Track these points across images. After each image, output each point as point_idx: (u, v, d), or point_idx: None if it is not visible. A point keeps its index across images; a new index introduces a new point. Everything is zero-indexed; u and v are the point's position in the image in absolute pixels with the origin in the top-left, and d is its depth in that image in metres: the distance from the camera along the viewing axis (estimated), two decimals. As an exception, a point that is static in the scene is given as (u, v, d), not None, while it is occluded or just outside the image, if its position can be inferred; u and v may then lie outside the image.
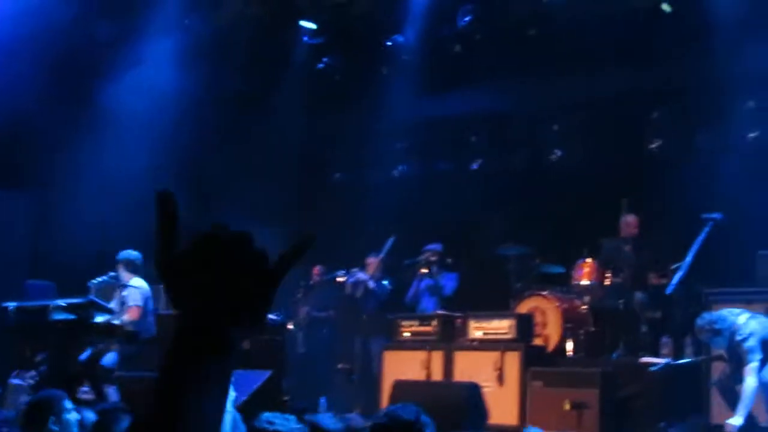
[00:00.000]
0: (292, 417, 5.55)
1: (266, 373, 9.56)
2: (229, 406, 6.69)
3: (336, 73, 15.64)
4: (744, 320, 9.46)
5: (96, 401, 9.41)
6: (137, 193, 14.18)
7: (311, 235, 3.11)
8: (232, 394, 6.95)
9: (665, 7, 12.73)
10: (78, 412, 6.27)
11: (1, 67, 13.00)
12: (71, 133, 13.91)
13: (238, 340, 2.36)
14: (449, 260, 13.03)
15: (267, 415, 5.52)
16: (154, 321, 11.94)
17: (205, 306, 2.18)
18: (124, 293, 11.39)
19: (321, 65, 15.40)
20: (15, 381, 8.33)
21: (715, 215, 10.68)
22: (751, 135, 12.82)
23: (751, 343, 9.29)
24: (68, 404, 6.01)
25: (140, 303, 11.56)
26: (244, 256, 2.29)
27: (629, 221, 12.24)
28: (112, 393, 9.35)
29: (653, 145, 13.63)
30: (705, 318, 9.60)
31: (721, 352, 9.80)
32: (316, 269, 14.55)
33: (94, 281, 12.02)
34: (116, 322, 11.29)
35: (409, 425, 4.67)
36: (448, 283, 12.83)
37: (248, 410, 7.42)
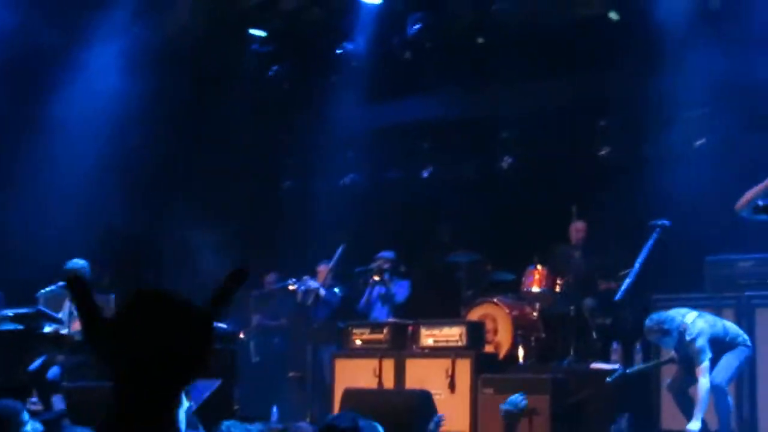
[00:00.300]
0: (254, 426, 5.55)
1: (216, 382, 9.50)
2: (182, 415, 6.66)
3: (285, 81, 15.59)
4: (692, 319, 9.54)
5: (44, 412, 9.32)
6: (86, 201, 14.16)
7: (242, 271, 3.13)
8: (186, 403, 6.93)
9: (613, 15, 12.82)
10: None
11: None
12: (17, 140, 13.77)
13: (178, 392, 2.36)
14: (402, 268, 13.03)
15: (227, 423, 5.51)
16: (103, 330, 11.85)
17: (140, 366, 2.16)
18: (72, 302, 11.28)
19: (271, 73, 15.34)
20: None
21: (663, 222, 10.76)
22: (698, 142, 12.92)
23: (701, 342, 9.37)
24: (26, 416, 5.95)
25: (88, 312, 11.48)
26: (173, 314, 2.29)
27: (578, 227, 12.37)
28: (58, 402, 9.25)
29: (602, 152, 13.71)
30: (653, 319, 9.67)
31: (672, 354, 9.87)
32: (268, 278, 14.50)
33: (42, 291, 11.90)
34: (64, 332, 11.19)
35: None
36: (400, 290, 12.84)
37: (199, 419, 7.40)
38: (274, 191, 16.39)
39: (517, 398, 9.83)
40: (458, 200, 14.51)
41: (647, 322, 9.69)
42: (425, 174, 15.38)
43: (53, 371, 11.00)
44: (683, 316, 9.61)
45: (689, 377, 9.58)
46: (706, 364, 9.31)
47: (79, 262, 11.81)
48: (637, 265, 10.74)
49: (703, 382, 9.28)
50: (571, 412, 10.46)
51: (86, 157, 14.08)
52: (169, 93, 14.88)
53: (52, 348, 11.24)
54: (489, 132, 14.93)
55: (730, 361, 9.51)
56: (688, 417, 9.33)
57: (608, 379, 10.18)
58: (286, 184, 16.59)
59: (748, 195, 8.03)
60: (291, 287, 13.74)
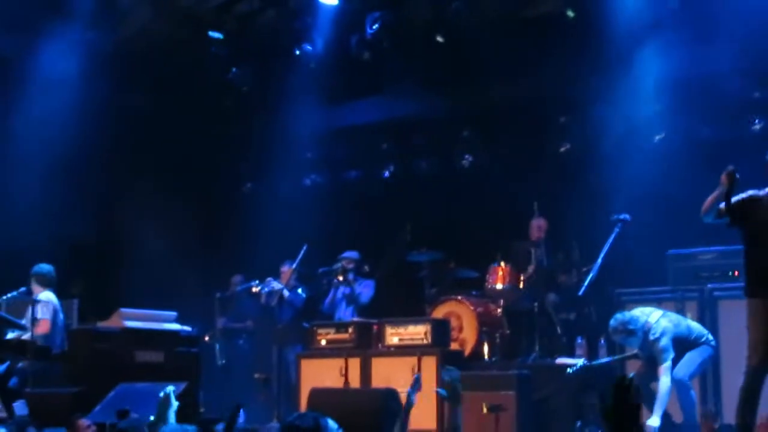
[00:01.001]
0: (192, 427, 5.54)
1: (182, 385, 9.44)
2: (172, 417, 6.67)
3: (244, 83, 15.54)
4: (656, 319, 9.61)
5: (7, 419, 9.23)
6: (45, 208, 14.06)
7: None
8: (175, 403, 6.92)
9: (569, 12, 12.87)
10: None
11: None
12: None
13: None
14: (366, 268, 13.03)
15: (165, 428, 5.49)
16: (65, 336, 11.79)
17: None
18: (34, 307, 11.22)
19: (230, 75, 15.29)
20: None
21: (624, 216, 10.82)
22: (657, 137, 13.02)
23: (664, 342, 9.44)
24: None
25: (48, 317, 11.42)
26: None
27: (540, 224, 12.42)
28: (20, 407, 9.17)
29: (562, 149, 13.79)
30: (618, 319, 9.73)
31: (635, 350, 9.93)
32: (233, 279, 14.46)
33: (4, 297, 11.81)
34: (27, 337, 11.11)
35: None
36: (365, 290, 12.83)
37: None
38: (236, 193, 16.35)
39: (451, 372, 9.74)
40: (419, 199, 14.54)
41: (612, 322, 9.75)
42: (386, 173, 15.40)
43: (14, 379, 10.93)
44: (648, 315, 9.68)
45: (652, 373, 9.65)
46: (668, 363, 9.40)
47: (45, 267, 11.76)
48: (599, 259, 10.80)
49: (665, 381, 9.36)
50: (537, 407, 10.51)
51: (45, 161, 13.98)
52: (128, 97, 14.82)
53: (14, 354, 11.15)
54: (449, 130, 14.97)
55: (693, 357, 9.59)
56: (651, 412, 9.39)
57: (569, 370, 10.23)
58: (247, 186, 16.56)
59: (709, 201, 8.11)
60: (255, 289, 13.70)
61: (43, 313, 11.34)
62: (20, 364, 11.11)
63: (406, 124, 15.27)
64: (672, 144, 12.74)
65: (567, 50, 12.94)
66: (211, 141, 15.28)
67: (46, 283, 11.73)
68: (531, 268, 12.18)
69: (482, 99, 14.42)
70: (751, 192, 8.04)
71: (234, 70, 15.13)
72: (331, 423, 6.33)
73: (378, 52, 14.28)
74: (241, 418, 11.88)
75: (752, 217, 7.95)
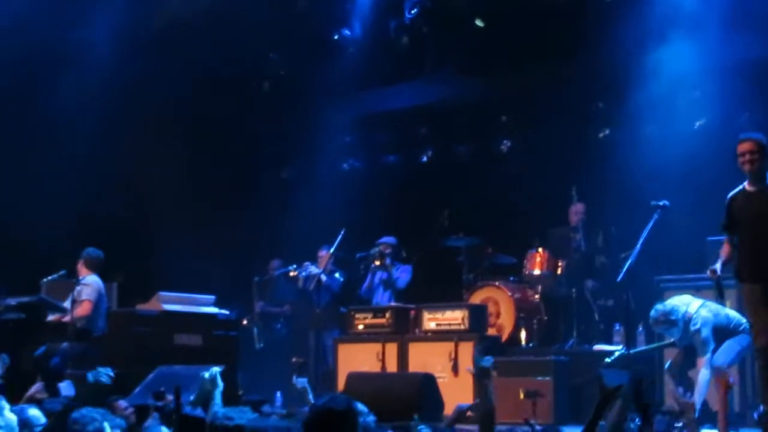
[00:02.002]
0: (247, 408, 5.59)
1: (221, 368, 9.50)
2: (219, 398, 6.74)
3: (283, 68, 15.56)
4: (695, 309, 9.55)
5: (49, 399, 9.31)
6: (85, 191, 14.17)
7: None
8: (221, 384, 6.97)
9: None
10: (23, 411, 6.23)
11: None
12: (18, 128, 13.76)
13: None
14: (403, 253, 13.04)
15: (223, 411, 5.52)
16: (106, 318, 11.88)
17: None
18: (78, 288, 11.30)
19: (268, 60, 15.32)
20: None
21: (664, 202, 10.75)
22: (698, 123, 12.94)
23: (705, 333, 9.37)
24: (4, 403, 5.96)
25: (92, 298, 11.51)
26: None
27: (578, 209, 12.35)
28: (67, 388, 9.25)
29: (601, 134, 13.72)
30: (658, 310, 9.68)
31: (673, 339, 9.88)
32: (271, 264, 14.51)
33: (45, 279, 11.92)
34: (67, 319, 11.20)
35: (343, 414, 4.66)
36: (402, 275, 12.83)
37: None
38: (274, 178, 16.38)
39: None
40: (457, 184, 14.52)
41: (653, 313, 9.70)
42: (424, 158, 15.38)
43: (56, 359, 11.01)
44: (687, 305, 9.61)
45: (689, 361, 9.61)
46: (708, 356, 9.33)
47: (95, 251, 11.86)
48: (638, 246, 10.74)
49: (704, 373, 9.29)
50: (574, 393, 10.49)
51: (84, 145, 14.08)
52: (166, 81, 14.88)
53: (55, 336, 11.25)
54: (487, 115, 14.93)
55: (731, 346, 9.51)
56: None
57: (608, 359, 10.19)
58: (286, 171, 16.58)
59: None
60: (292, 273, 13.74)
61: (87, 294, 11.43)
62: (63, 346, 11.21)
63: (445, 108, 15.24)
64: (712, 130, 12.65)
65: (606, 34, 12.87)
66: (249, 126, 15.31)
67: (94, 266, 11.82)
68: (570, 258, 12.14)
69: (521, 84, 14.36)
70: (729, 195, 8.71)
71: (272, 55, 15.16)
72: (361, 406, 6.37)
73: (417, 37, 14.27)
74: (278, 401, 11.96)
75: (735, 215, 8.65)
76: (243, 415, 5.45)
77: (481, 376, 8.73)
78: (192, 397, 6.95)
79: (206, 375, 7.01)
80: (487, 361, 9.04)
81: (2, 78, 13.34)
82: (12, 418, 6.07)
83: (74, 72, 13.73)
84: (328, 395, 4.91)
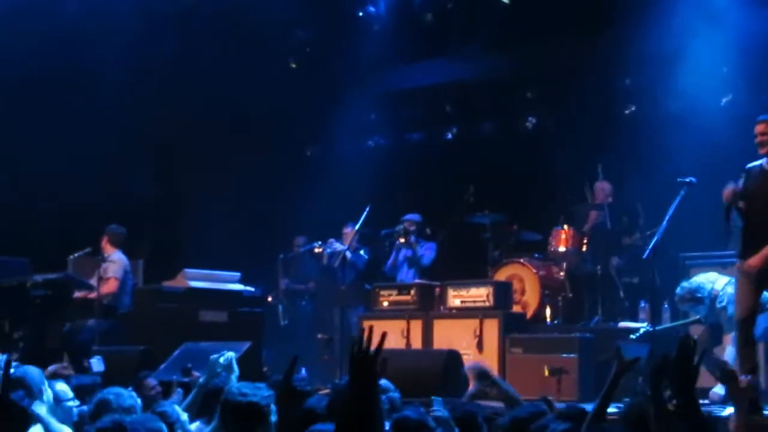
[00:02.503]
0: (262, 385, 5.59)
1: (245, 345, 9.55)
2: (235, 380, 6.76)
3: (308, 45, 15.55)
4: (722, 286, 9.51)
5: (75, 375, 9.38)
6: (110, 168, 14.22)
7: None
8: (236, 370, 7.00)
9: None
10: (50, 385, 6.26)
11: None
12: (48, 103, 13.79)
13: None
14: (428, 230, 13.02)
15: (237, 386, 5.53)
16: (132, 295, 11.94)
17: None
18: (104, 266, 11.37)
19: (294, 37, 15.32)
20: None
21: (690, 178, 10.68)
22: (725, 99, 12.86)
23: (732, 310, 9.33)
24: (43, 379, 6.00)
25: (119, 276, 11.58)
26: None
27: (604, 188, 12.29)
28: (98, 363, 9.30)
29: (627, 111, 13.66)
30: (685, 288, 9.65)
31: (699, 316, 9.84)
32: (296, 241, 14.53)
33: (72, 256, 11.99)
34: (93, 296, 11.27)
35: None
36: (427, 252, 12.82)
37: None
38: (299, 154, 16.39)
39: None
40: (482, 161, 14.48)
41: (679, 290, 9.67)
42: (449, 135, 15.34)
43: (83, 336, 11.09)
44: (713, 282, 9.58)
45: (714, 339, 9.58)
46: (734, 333, 9.29)
47: (118, 228, 11.93)
48: (664, 223, 10.69)
49: (730, 350, 9.26)
50: (600, 371, 10.46)
51: (108, 122, 14.13)
52: (192, 57, 14.90)
53: (81, 313, 11.32)
54: (512, 92, 14.88)
55: (759, 322, 9.47)
56: (714, 377, 9.31)
57: (632, 335, 10.17)
58: (312, 148, 16.59)
59: None
60: (317, 250, 13.78)
61: (112, 272, 11.50)
62: (90, 322, 11.28)
63: (470, 85, 15.20)
64: (739, 106, 12.56)
65: (633, 11, 12.80)
66: (274, 102, 15.29)
67: (119, 243, 11.90)
68: (587, 226, 12.12)
69: (546, 60, 14.30)
70: (748, 166, 8.70)
71: (299, 32, 15.16)
72: (386, 383, 6.40)
73: (442, 14, 14.23)
74: (304, 378, 11.99)
75: (747, 188, 8.61)
76: (257, 391, 5.44)
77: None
78: (201, 380, 6.98)
79: (221, 360, 7.01)
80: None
81: (34, 55, 13.38)
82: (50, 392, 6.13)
83: (103, 49, 13.73)
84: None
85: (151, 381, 7.59)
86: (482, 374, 7.65)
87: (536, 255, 12.62)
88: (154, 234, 14.56)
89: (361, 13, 14.50)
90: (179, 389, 7.74)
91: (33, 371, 6.18)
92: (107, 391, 5.79)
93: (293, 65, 15.54)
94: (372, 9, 14.57)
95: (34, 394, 5.92)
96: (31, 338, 10.55)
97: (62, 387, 6.52)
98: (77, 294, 11.46)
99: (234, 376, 7.13)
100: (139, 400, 5.87)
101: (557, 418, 5.51)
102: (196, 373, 7.80)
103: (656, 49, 13.09)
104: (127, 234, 12.08)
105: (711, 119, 12.58)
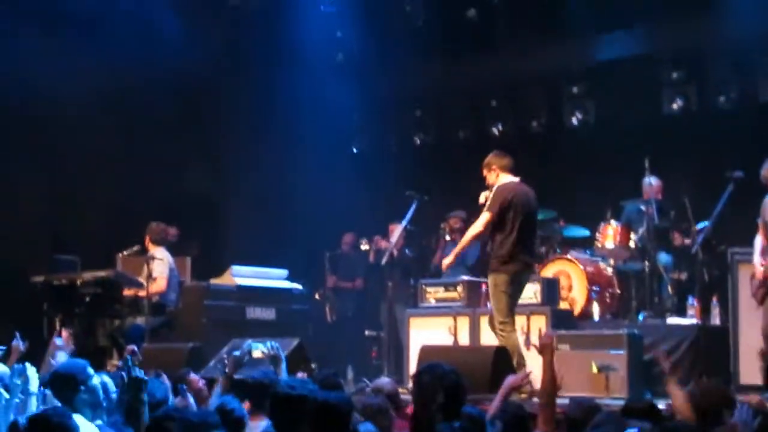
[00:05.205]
0: (308, 380, 5.69)
1: (294, 342, 9.60)
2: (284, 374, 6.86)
3: (353, 43, 15.56)
4: None
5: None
6: (158, 165, 14.32)
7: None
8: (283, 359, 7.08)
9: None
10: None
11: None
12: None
13: None
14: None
15: (286, 380, 5.64)
16: (180, 292, 12.02)
17: None
18: (150, 264, 11.45)
19: (339, 35, 15.34)
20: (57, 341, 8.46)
21: (738, 173, 10.61)
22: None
23: None
24: (91, 371, 6.06)
25: (165, 274, 11.64)
26: None
27: (653, 184, 12.15)
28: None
29: (675, 105, 13.56)
30: None
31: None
32: (345, 238, 14.56)
33: (121, 254, 12.09)
34: (143, 293, 11.35)
35: None
36: (472, 250, 12.76)
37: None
38: (345, 152, 16.41)
39: None
40: (528, 157, 14.40)
41: None
42: (495, 131, 15.29)
43: (133, 333, 11.17)
44: None
45: None
46: None
47: (158, 225, 12.00)
48: (712, 218, 10.63)
49: None
50: (648, 367, 10.42)
51: (160, 122, 14.24)
52: (238, 57, 14.97)
53: (130, 310, 11.41)
54: (558, 88, 14.83)
55: None
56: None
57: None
58: (358, 145, 16.60)
59: None
60: (364, 247, 13.80)
61: (159, 271, 11.57)
62: (139, 320, 11.37)
63: (516, 81, 15.14)
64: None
65: (679, 6, 12.73)
66: (320, 100, 15.34)
67: (160, 239, 11.97)
68: (642, 229, 12.03)
69: (591, 55, 14.25)
70: None
71: (339, 34, 15.17)
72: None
73: (487, 9, 14.20)
74: (350, 374, 12.05)
75: None
76: (305, 385, 5.54)
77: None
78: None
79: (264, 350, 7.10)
80: None
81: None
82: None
83: (149, 44, 13.81)
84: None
85: (195, 376, 7.65)
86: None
87: (584, 251, 12.56)
88: (203, 231, 14.64)
89: (407, 8, 14.48)
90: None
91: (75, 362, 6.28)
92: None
93: (341, 59, 15.51)
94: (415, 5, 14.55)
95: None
96: (81, 335, 10.63)
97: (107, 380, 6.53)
98: (126, 291, 11.54)
99: (283, 367, 7.21)
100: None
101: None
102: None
103: (704, 42, 13.03)
104: (167, 228, 12.17)
105: (759, 113, 12.49)
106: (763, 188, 9.46)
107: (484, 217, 9.68)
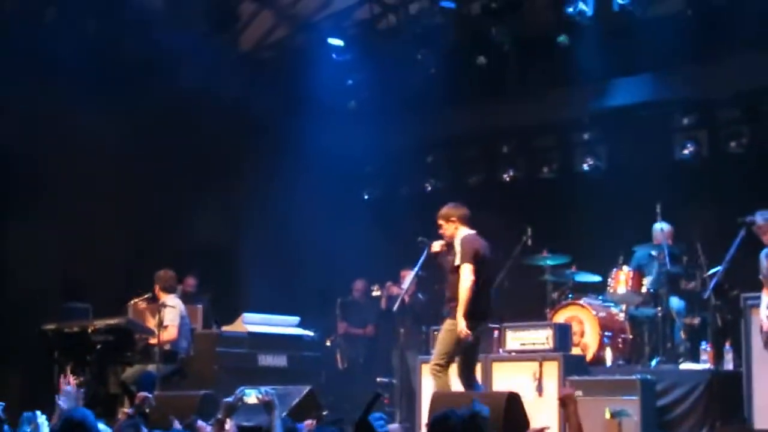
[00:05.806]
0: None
1: (305, 388, 9.57)
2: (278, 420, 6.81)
3: (365, 90, 15.63)
4: None
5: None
6: (170, 214, 14.36)
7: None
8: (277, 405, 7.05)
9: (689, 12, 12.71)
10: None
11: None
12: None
13: None
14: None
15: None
16: (191, 340, 12.01)
17: None
18: (161, 312, 11.45)
19: (350, 82, 15.42)
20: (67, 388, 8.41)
21: (751, 218, 10.58)
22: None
23: None
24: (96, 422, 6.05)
25: (176, 322, 11.63)
26: None
27: (664, 229, 12.10)
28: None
29: (686, 151, 13.57)
30: None
31: None
32: (356, 285, 14.55)
33: (131, 301, 12.10)
34: (154, 341, 11.34)
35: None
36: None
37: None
38: (357, 198, 16.43)
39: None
40: (540, 202, 14.44)
41: None
42: (506, 177, 15.32)
43: (144, 381, 11.15)
44: None
45: None
46: None
47: (167, 273, 12.01)
48: (724, 263, 10.59)
49: None
50: (661, 413, 10.36)
51: (172, 170, 14.29)
52: (251, 104, 15.06)
53: (142, 358, 11.40)
54: (569, 133, 14.87)
55: None
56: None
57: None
58: (369, 191, 16.63)
59: None
60: (376, 293, 13.79)
61: (170, 319, 11.56)
62: (150, 368, 11.36)
63: (527, 128, 15.19)
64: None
65: (688, 52, 12.79)
66: (332, 147, 15.39)
67: (169, 287, 11.98)
68: (653, 275, 12.00)
69: (603, 102, 14.29)
70: None
71: (350, 81, 15.26)
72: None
73: (497, 57, 14.27)
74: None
75: None
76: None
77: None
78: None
79: (255, 394, 7.08)
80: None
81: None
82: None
83: (164, 92, 13.89)
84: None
85: (202, 423, 7.63)
86: None
87: (596, 296, 12.52)
88: (215, 278, 14.65)
89: (419, 56, 14.56)
90: None
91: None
92: None
93: (353, 107, 15.58)
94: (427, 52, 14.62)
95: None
96: (92, 383, 10.62)
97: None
98: (138, 339, 11.54)
99: (276, 414, 7.19)
100: None
101: None
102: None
103: (715, 88, 13.05)
104: (177, 278, 12.18)
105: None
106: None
107: (467, 268, 9.52)
